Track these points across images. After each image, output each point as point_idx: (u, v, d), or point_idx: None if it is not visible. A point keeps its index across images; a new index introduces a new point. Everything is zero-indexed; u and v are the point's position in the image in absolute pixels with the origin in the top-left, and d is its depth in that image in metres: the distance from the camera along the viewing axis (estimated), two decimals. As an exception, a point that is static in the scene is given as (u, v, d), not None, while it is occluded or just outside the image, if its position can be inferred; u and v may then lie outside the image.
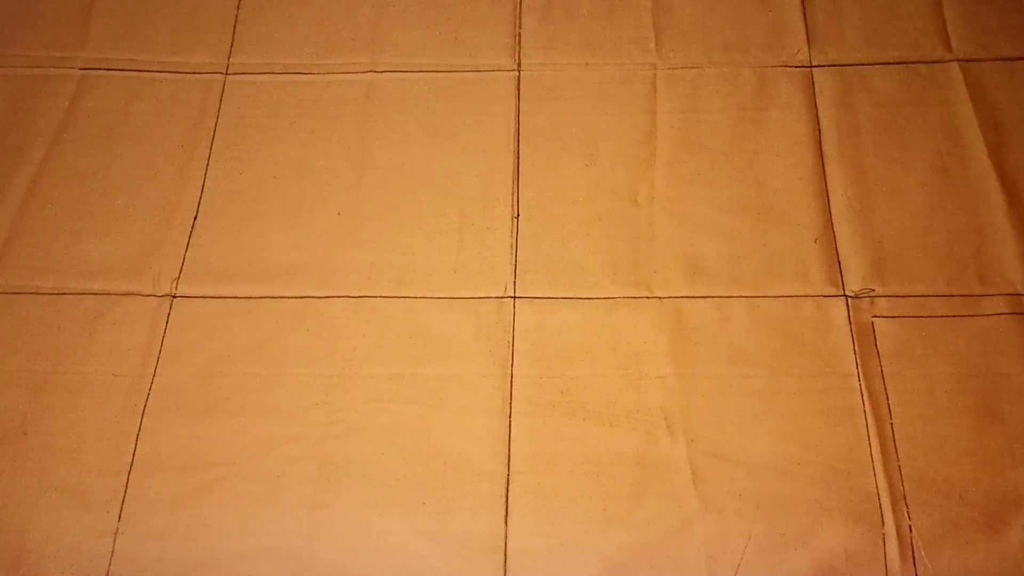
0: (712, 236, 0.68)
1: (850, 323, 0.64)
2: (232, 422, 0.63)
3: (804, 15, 0.77)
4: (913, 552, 0.57)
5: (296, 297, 0.67)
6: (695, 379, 0.63)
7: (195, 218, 0.71)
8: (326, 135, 0.74)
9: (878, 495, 0.59)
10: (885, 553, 0.57)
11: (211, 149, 0.74)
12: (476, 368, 0.64)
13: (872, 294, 0.65)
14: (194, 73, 0.78)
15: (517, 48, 0.77)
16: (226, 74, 0.78)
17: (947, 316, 0.64)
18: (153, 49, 0.79)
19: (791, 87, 0.74)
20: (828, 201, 0.69)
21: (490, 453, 0.61)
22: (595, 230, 0.69)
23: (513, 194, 0.71)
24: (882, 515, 0.59)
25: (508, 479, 0.60)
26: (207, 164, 0.73)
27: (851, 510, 0.58)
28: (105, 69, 0.78)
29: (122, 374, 0.65)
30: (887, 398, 0.62)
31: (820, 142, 0.72)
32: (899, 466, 0.59)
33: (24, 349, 0.66)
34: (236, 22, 0.80)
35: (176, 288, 0.68)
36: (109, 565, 0.59)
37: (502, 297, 0.67)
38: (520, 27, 0.78)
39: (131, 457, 0.62)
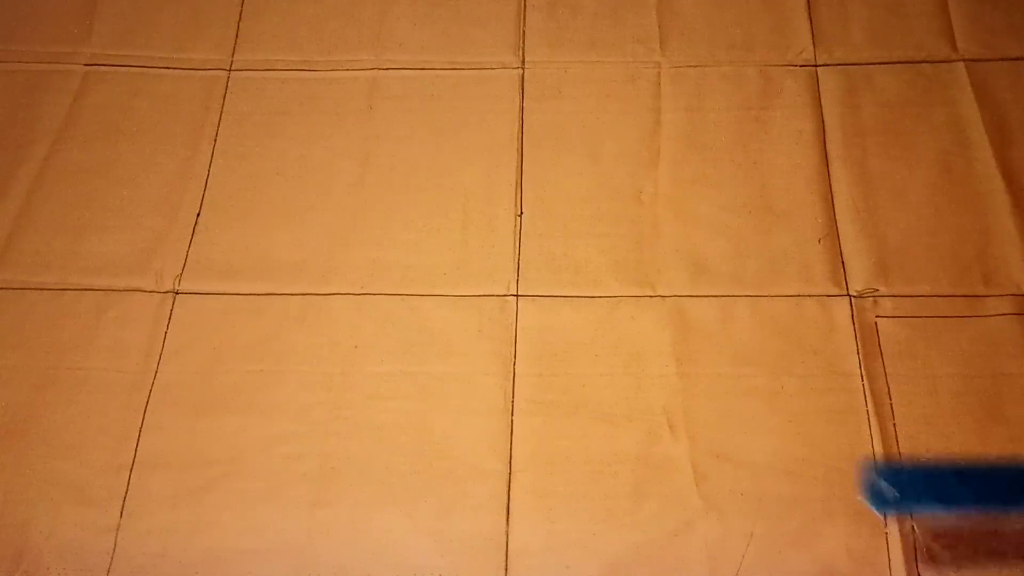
0: (716, 235, 0.68)
1: (853, 323, 0.64)
2: (234, 419, 0.63)
3: (809, 14, 0.77)
4: (915, 552, 0.57)
5: (299, 294, 0.67)
6: (697, 378, 0.63)
7: (198, 214, 0.71)
8: (329, 132, 0.74)
9: (881, 495, 0.59)
10: (888, 553, 0.57)
11: (214, 146, 0.74)
12: (478, 366, 0.64)
13: (876, 294, 0.65)
14: (198, 69, 0.78)
15: (521, 46, 0.77)
16: (230, 70, 0.78)
17: (951, 316, 0.64)
18: (157, 45, 0.79)
19: (796, 86, 0.74)
20: (832, 201, 0.69)
21: (492, 451, 0.61)
22: (598, 228, 0.69)
23: (516, 192, 0.71)
24: (884, 515, 0.58)
25: (509, 477, 0.60)
26: (210, 160, 0.73)
27: (853, 510, 0.58)
28: (109, 65, 0.78)
29: (124, 370, 0.65)
30: (890, 398, 0.61)
31: (824, 141, 0.71)
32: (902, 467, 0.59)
33: (27, 345, 0.66)
34: (240, 18, 0.80)
35: (179, 284, 0.68)
36: (110, 562, 0.59)
37: (505, 295, 0.67)
38: (524, 25, 0.78)
39: (133, 454, 0.62)
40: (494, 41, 0.77)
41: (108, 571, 0.58)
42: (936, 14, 0.76)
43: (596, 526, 0.59)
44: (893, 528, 0.58)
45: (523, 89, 0.75)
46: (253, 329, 0.66)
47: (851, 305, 0.65)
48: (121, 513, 0.60)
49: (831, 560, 0.57)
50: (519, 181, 0.71)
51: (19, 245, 0.70)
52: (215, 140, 0.74)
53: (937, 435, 0.60)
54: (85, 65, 0.78)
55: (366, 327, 0.66)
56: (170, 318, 0.67)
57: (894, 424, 0.61)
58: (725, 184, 0.70)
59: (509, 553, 0.58)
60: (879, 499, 0.52)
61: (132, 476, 0.61)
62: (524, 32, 0.78)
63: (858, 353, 0.63)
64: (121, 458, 0.62)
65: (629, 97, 0.74)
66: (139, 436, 0.63)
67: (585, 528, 0.59)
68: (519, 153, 0.72)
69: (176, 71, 0.78)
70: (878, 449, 0.60)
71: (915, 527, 0.58)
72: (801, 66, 0.75)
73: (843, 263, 0.66)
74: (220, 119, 0.75)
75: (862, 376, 0.62)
